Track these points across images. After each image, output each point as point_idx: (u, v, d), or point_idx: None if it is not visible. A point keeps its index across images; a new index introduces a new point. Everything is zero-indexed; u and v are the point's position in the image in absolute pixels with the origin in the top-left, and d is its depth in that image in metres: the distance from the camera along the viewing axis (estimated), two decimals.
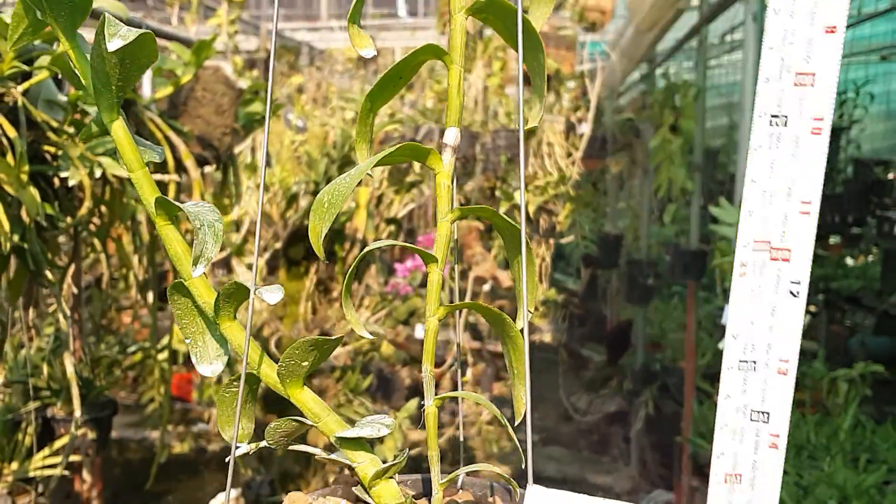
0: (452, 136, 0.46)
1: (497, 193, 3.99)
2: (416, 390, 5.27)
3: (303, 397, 0.46)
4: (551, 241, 4.05)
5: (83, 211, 1.24)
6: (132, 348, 2.78)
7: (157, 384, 3.71)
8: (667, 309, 6.40)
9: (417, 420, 4.49)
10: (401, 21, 6.41)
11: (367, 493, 0.45)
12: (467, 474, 0.48)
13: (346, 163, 3.25)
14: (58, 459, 1.89)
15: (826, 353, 4.75)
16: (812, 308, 5.95)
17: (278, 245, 3.29)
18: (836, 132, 3.30)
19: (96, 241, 1.36)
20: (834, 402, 3.88)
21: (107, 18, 0.39)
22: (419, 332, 4.28)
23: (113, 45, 0.38)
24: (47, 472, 1.89)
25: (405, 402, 4.73)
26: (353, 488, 0.48)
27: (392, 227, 3.59)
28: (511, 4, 0.44)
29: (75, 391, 1.24)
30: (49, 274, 1.24)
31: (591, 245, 4.72)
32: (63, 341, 1.70)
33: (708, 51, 4.40)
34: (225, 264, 3.77)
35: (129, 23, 1.59)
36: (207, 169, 2.06)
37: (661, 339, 5.76)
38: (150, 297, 1.72)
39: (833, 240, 5.53)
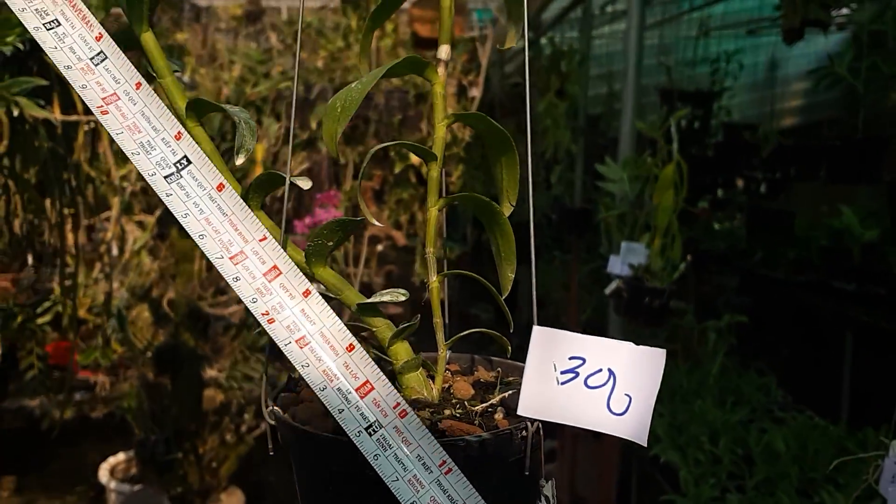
0: (445, 52, 0.53)
1: (391, 154, 4.06)
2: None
3: (326, 274, 0.53)
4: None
5: (1, 150, 1.23)
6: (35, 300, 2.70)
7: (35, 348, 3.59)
8: (549, 270, 6.64)
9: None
10: None
11: (385, 353, 0.53)
12: (452, 351, 0.56)
13: None
14: None
15: (695, 310, 5.06)
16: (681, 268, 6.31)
17: None
18: (708, 97, 3.53)
19: (10, 184, 1.34)
20: (704, 351, 4.15)
21: None
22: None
23: None
24: None
25: None
26: (373, 349, 0.55)
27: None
28: None
29: None
30: None
31: None
32: None
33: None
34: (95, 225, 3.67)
35: None
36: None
37: (544, 298, 5.98)
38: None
39: (701, 204, 5.87)
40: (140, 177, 3.16)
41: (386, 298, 0.50)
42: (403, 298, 0.50)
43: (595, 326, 4.51)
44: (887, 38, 2.72)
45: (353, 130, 4.33)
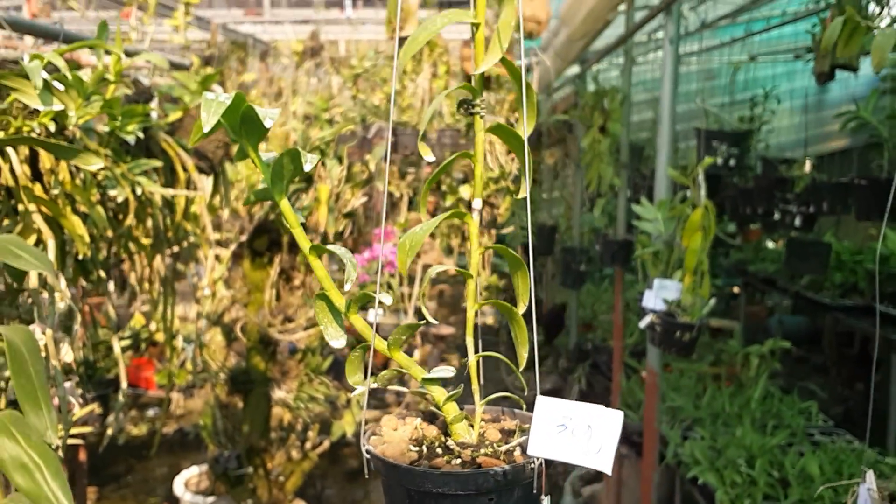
0: (478, 204, 0.77)
1: (443, 188, 4.32)
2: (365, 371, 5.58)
3: (400, 357, 0.77)
4: (493, 231, 4.40)
5: (128, 221, 1.52)
6: (126, 333, 3.02)
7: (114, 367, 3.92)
8: (597, 292, 6.83)
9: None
10: (345, 16, 6.70)
11: (440, 409, 0.77)
12: (487, 403, 0.80)
13: None
14: (73, 431, 2.15)
15: (745, 331, 5.18)
16: (735, 290, 6.45)
17: (244, 238, 3.55)
18: (743, 135, 3.71)
19: (131, 245, 1.63)
20: (747, 375, 4.28)
21: (301, 153, 0.70)
22: (370, 316, 4.61)
23: (307, 167, 0.69)
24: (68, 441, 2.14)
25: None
26: (431, 406, 0.80)
27: (347, 220, 3.88)
28: (513, 130, 0.76)
29: (122, 366, 1.51)
30: (102, 273, 1.52)
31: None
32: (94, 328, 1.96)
33: (634, 48, 4.78)
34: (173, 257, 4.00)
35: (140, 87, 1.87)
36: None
37: (592, 321, 6.18)
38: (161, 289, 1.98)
39: (753, 226, 6.00)
40: (218, 227, 3.48)
41: (441, 375, 0.74)
42: (452, 374, 0.74)
43: (639, 351, 4.69)
44: None
45: (403, 159, 4.60)
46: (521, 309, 0.78)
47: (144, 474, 5.15)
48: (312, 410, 3.70)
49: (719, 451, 3.29)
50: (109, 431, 1.66)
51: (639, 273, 2.94)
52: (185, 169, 1.92)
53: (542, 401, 0.70)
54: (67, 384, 1.35)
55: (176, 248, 2.01)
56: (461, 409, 0.78)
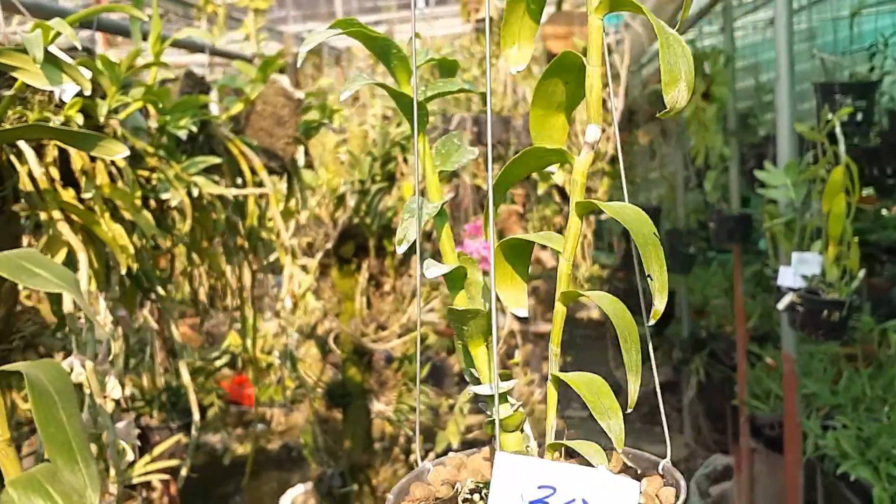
0: (593, 133, 0.50)
1: (534, 175, 4.05)
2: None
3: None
4: (591, 217, 4.10)
5: (186, 228, 1.32)
6: (215, 354, 2.89)
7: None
8: (707, 276, 6.39)
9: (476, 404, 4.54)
10: (420, 12, 6.51)
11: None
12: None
13: (388, 160, 3.32)
14: (157, 465, 1.98)
15: (870, 306, 4.72)
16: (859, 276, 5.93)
17: (329, 245, 3.37)
18: (869, 86, 3.30)
19: (195, 256, 1.44)
20: (886, 353, 3.87)
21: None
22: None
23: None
24: (149, 477, 1.98)
25: (455, 388, 4.82)
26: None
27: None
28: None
29: (192, 397, 1.32)
30: (161, 290, 1.32)
31: None
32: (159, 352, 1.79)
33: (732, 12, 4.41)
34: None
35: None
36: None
37: (704, 307, 5.77)
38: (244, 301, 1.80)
39: (866, 192, 5.50)
40: (299, 231, 3.31)
41: None
42: None
43: (758, 336, 4.29)
44: None
45: (493, 154, 4.36)
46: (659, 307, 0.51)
47: (252, 493, 5.07)
48: (413, 421, 3.49)
49: (867, 441, 2.93)
50: (184, 472, 1.47)
51: (769, 248, 2.60)
52: (252, 170, 1.72)
53: (504, 459, 0.42)
54: (122, 424, 1.15)
55: (253, 260, 1.81)
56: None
